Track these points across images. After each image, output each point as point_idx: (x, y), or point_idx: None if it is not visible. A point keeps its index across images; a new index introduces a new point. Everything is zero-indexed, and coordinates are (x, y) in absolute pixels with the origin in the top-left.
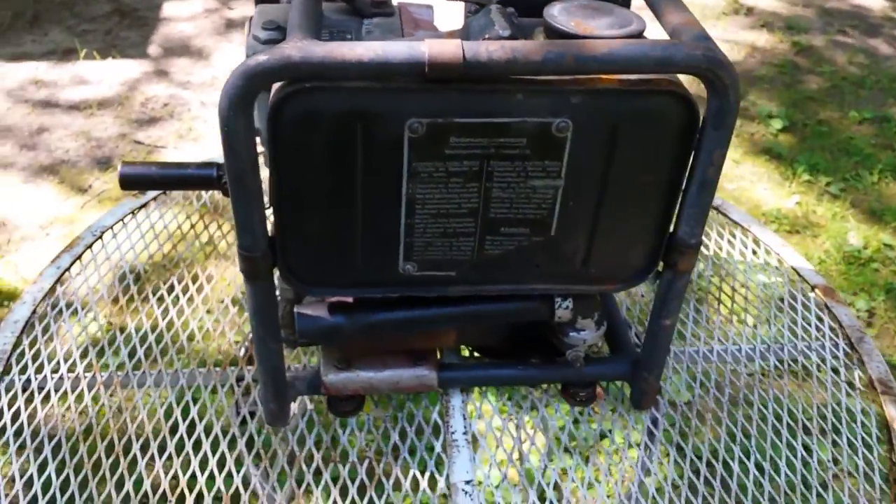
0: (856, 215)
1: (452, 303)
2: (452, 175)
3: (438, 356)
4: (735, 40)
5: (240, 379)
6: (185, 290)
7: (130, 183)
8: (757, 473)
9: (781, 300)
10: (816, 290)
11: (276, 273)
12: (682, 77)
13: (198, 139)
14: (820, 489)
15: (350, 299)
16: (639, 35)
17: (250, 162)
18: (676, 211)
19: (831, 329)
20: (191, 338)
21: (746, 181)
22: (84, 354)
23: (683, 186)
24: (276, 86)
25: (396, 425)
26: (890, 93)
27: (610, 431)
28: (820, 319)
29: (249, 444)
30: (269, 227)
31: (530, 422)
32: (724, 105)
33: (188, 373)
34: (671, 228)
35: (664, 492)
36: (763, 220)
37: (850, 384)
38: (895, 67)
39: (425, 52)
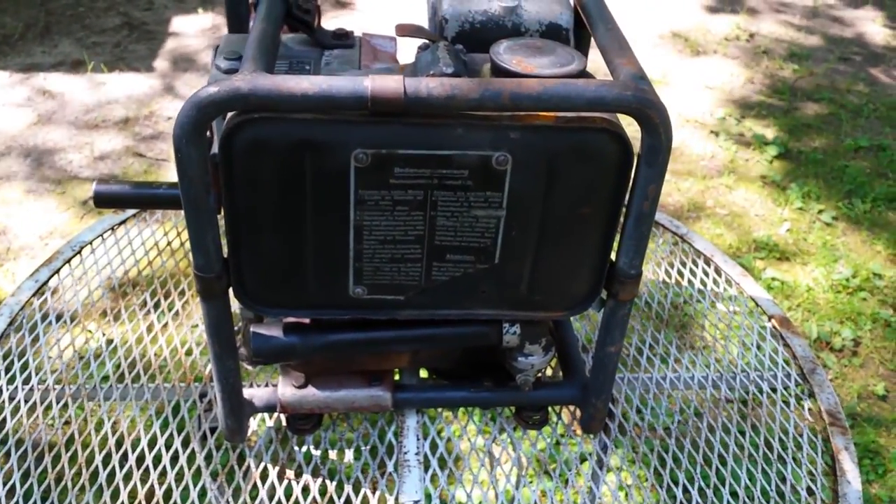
0: (846, 244)
1: (403, 326)
2: (398, 203)
3: (396, 377)
4: (735, 66)
5: (203, 395)
6: (157, 305)
7: (104, 201)
8: (714, 498)
9: (739, 329)
10: (773, 321)
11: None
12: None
13: None
14: None
15: (306, 320)
16: (578, 74)
17: (203, 186)
18: (616, 242)
19: (784, 360)
20: (158, 353)
21: (739, 207)
22: (54, 369)
23: (621, 219)
24: (229, 114)
25: (352, 444)
26: (887, 121)
27: (590, 454)
28: (775, 350)
29: (208, 458)
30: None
31: (511, 443)
32: (655, 143)
33: (152, 388)
34: (612, 259)
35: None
36: (754, 247)
37: (799, 414)
38: (893, 97)
39: (368, 86)
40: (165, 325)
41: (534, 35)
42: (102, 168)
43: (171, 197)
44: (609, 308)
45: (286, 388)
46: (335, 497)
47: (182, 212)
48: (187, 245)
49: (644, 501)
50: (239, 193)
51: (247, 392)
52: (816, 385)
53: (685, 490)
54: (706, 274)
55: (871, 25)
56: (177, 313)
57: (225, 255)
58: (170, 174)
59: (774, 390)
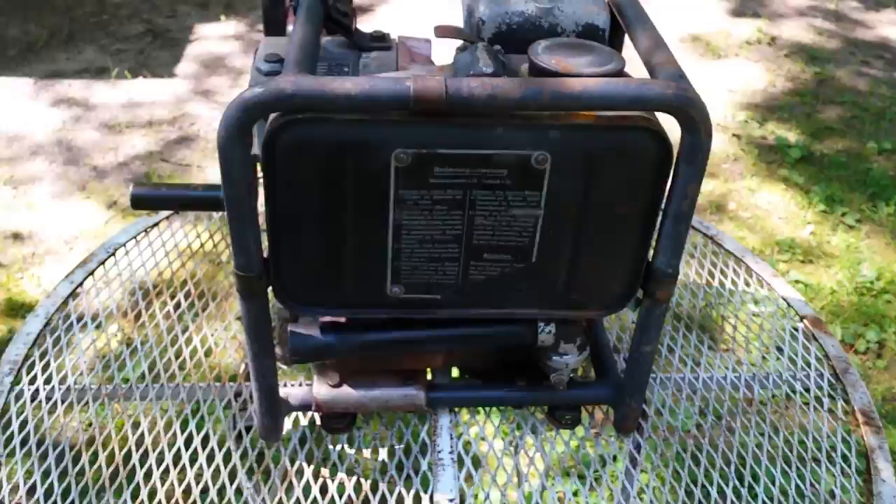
0: (870, 246)
1: (439, 325)
2: (437, 203)
3: (429, 377)
4: (757, 69)
5: (238, 394)
6: (192, 306)
7: (141, 203)
8: (749, 498)
9: (770, 330)
10: (805, 321)
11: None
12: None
13: None
14: None
15: (342, 320)
16: (617, 73)
17: (246, 187)
18: (654, 241)
19: (817, 359)
20: (193, 354)
21: (762, 210)
22: (91, 368)
23: (660, 218)
24: (272, 115)
25: (386, 443)
26: None
27: (614, 458)
28: (807, 350)
29: (244, 457)
30: (264, 248)
31: (531, 444)
32: (695, 142)
33: (188, 387)
34: (649, 258)
35: None
36: (777, 249)
37: (833, 413)
38: None
39: (410, 87)
40: (199, 325)
41: (570, 35)
42: (126, 173)
43: (207, 199)
44: (645, 308)
45: (321, 387)
46: (370, 495)
47: (215, 213)
48: (220, 247)
49: (679, 500)
50: (281, 193)
51: (282, 391)
52: (850, 385)
53: (720, 490)
54: (737, 274)
55: (893, 28)
56: (210, 314)
57: (265, 255)
58: (194, 178)
59: (808, 390)
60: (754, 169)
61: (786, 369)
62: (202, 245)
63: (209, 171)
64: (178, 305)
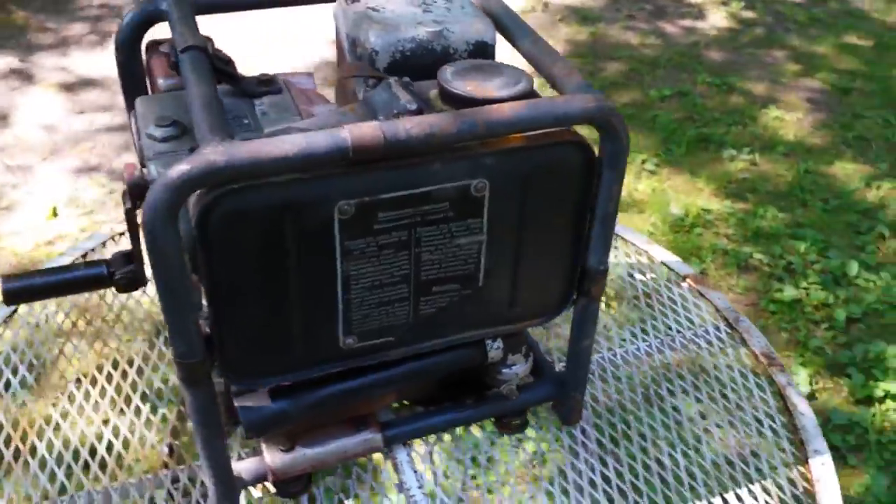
0: (673, 187)
1: (391, 365)
2: (383, 247)
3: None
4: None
5: (175, 481)
6: (79, 387)
7: (16, 297)
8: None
9: (661, 295)
10: (688, 280)
11: None
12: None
13: (11, 207)
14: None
15: (289, 382)
16: (531, 92)
17: (179, 270)
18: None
19: (710, 314)
20: (109, 448)
21: None
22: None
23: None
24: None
25: (349, 494)
26: (682, 69)
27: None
28: (698, 307)
29: None
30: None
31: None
32: (617, 147)
33: (119, 488)
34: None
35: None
36: None
37: (738, 360)
38: (683, 45)
39: (347, 137)
40: (103, 413)
41: (462, 55)
42: None
43: (93, 277)
44: (582, 305)
45: (274, 455)
46: None
47: (102, 290)
48: (97, 324)
49: (630, 455)
50: (220, 268)
51: (233, 467)
52: (745, 332)
53: (670, 447)
54: (615, 247)
55: None
56: (112, 399)
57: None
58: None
59: (711, 344)
60: None
61: (686, 329)
62: (74, 324)
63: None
64: (71, 398)
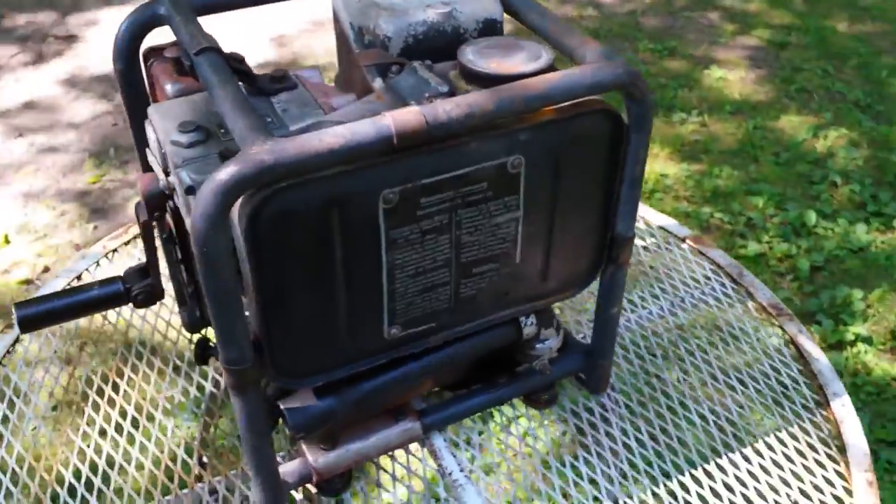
0: None
1: (432, 351)
2: (426, 233)
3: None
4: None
5: (212, 492)
6: (108, 418)
7: (32, 324)
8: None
9: (664, 257)
10: (688, 241)
11: None
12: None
13: None
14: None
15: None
16: (553, 63)
17: (232, 275)
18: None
19: (713, 271)
20: (122, 472)
21: None
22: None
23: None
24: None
25: (392, 485)
26: (623, 38)
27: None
28: (701, 266)
29: None
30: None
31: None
32: (642, 110)
33: None
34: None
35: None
36: None
37: (748, 314)
38: (620, 14)
39: (391, 125)
40: (129, 433)
41: (473, 34)
42: None
43: (110, 295)
44: (609, 273)
45: (316, 454)
46: None
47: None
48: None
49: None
50: (269, 269)
51: None
52: (749, 286)
53: (696, 404)
54: None
55: None
56: (134, 419)
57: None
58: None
59: (719, 301)
60: None
61: (694, 289)
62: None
63: None
64: (91, 421)
